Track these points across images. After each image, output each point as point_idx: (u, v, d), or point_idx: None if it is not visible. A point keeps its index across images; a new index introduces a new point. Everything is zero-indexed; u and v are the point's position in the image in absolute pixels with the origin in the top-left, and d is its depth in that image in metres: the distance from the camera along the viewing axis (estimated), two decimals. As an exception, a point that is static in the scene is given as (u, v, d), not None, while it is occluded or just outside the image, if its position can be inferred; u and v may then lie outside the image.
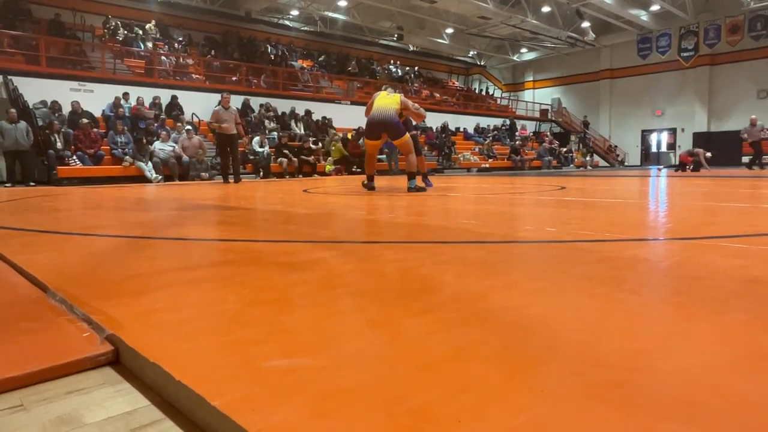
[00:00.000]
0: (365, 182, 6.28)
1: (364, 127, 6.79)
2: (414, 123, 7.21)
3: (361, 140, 6.22)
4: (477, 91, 29.11)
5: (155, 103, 14.06)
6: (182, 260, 1.94)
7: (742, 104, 22.71)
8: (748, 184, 7.00)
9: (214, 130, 9.97)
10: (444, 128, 20.49)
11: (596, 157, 25.83)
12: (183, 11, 19.43)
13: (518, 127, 25.49)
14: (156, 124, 12.74)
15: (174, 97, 14.53)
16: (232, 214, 3.82)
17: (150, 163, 11.58)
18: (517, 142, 22.18)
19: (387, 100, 6.08)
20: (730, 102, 23.09)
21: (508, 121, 25.20)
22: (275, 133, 15.26)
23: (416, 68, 26.33)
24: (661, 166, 20.92)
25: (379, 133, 6.11)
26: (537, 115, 28.34)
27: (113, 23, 16.50)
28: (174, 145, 12.17)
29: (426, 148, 18.72)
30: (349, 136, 15.30)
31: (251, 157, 13.52)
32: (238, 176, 10.23)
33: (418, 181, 6.12)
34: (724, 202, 4.20)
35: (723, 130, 23.31)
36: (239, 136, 10.03)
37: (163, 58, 16.18)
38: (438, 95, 24.22)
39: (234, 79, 17.28)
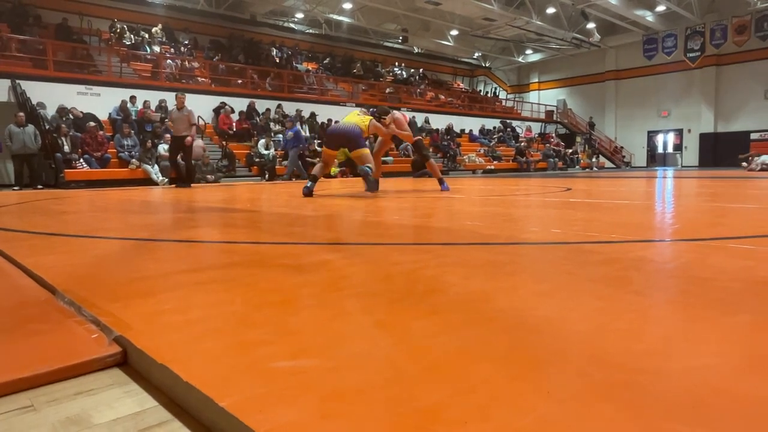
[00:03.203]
0: (308, 185, 5.79)
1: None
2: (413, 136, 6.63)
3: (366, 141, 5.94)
4: (482, 93, 29.08)
5: (161, 106, 14.14)
6: (189, 262, 1.94)
7: (749, 105, 22.60)
8: (755, 185, 6.95)
9: (169, 130, 9.81)
10: (449, 130, 20.48)
11: (602, 159, 25.74)
12: (189, 15, 19.55)
13: (522, 129, 25.40)
14: (162, 127, 12.82)
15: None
16: (238, 217, 3.84)
17: (156, 166, 11.64)
18: (522, 144, 22.15)
19: (353, 118, 5.99)
20: (737, 102, 22.97)
21: (499, 124, 24.59)
22: (281, 135, 15.30)
23: (421, 70, 26.35)
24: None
25: (337, 145, 6.03)
26: (542, 116, 28.28)
27: (119, 27, 16.62)
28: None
29: (431, 150, 18.72)
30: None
31: (257, 160, 13.57)
32: (189, 181, 9.79)
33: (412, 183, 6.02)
34: (731, 202, 4.17)
35: (730, 131, 23.19)
36: (192, 138, 9.54)
37: (169, 61, 16.27)
38: (443, 97, 24.23)
39: (239, 81, 17.35)
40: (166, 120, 9.97)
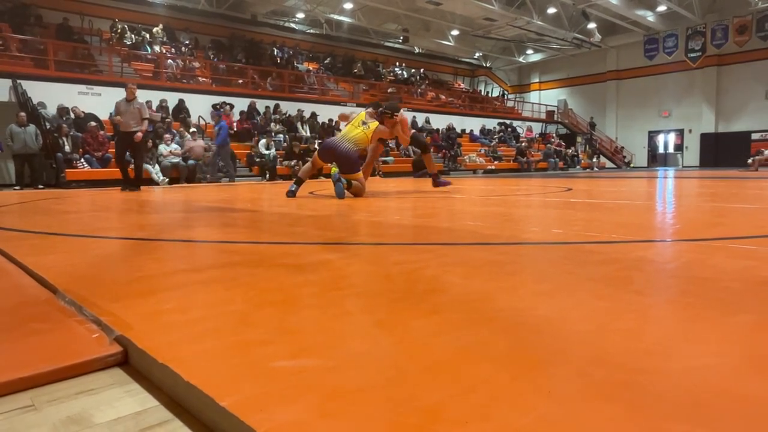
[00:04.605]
0: (293, 187, 5.66)
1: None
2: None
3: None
4: (484, 93, 29.06)
5: (162, 106, 14.14)
6: (189, 262, 1.95)
7: (750, 105, 22.58)
8: (755, 185, 6.95)
9: (116, 126, 8.47)
10: (449, 130, 20.48)
11: (603, 159, 25.73)
12: (190, 15, 19.57)
13: (522, 129, 25.39)
14: (163, 127, 12.81)
15: (181, 101, 14.61)
16: (239, 216, 3.84)
17: (157, 166, 11.65)
18: (523, 144, 22.15)
19: (355, 132, 5.55)
20: (737, 103, 22.95)
21: (497, 125, 24.58)
22: (281, 135, 15.30)
23: (422, 70, 26.35)
24: None
25: (329, 160, 5.63)
26: (543, 116, 28.27)
27: (120, 27, 16.63)
28: (178, 147, 12.24)
29: (432, 149, 18.70)
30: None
31: (257, 159, 13.57)
32: (137, 183, 8.48)
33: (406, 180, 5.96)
34: (731, 202, 4.17)
35: (731, 131, 23.17)
36: (143, 133, 8.33)
37: (169, 61, 16.27)
38: (444, 97, 24.22)
39: (240, 81, 17.36)
40: (112, 114, 8.51)
